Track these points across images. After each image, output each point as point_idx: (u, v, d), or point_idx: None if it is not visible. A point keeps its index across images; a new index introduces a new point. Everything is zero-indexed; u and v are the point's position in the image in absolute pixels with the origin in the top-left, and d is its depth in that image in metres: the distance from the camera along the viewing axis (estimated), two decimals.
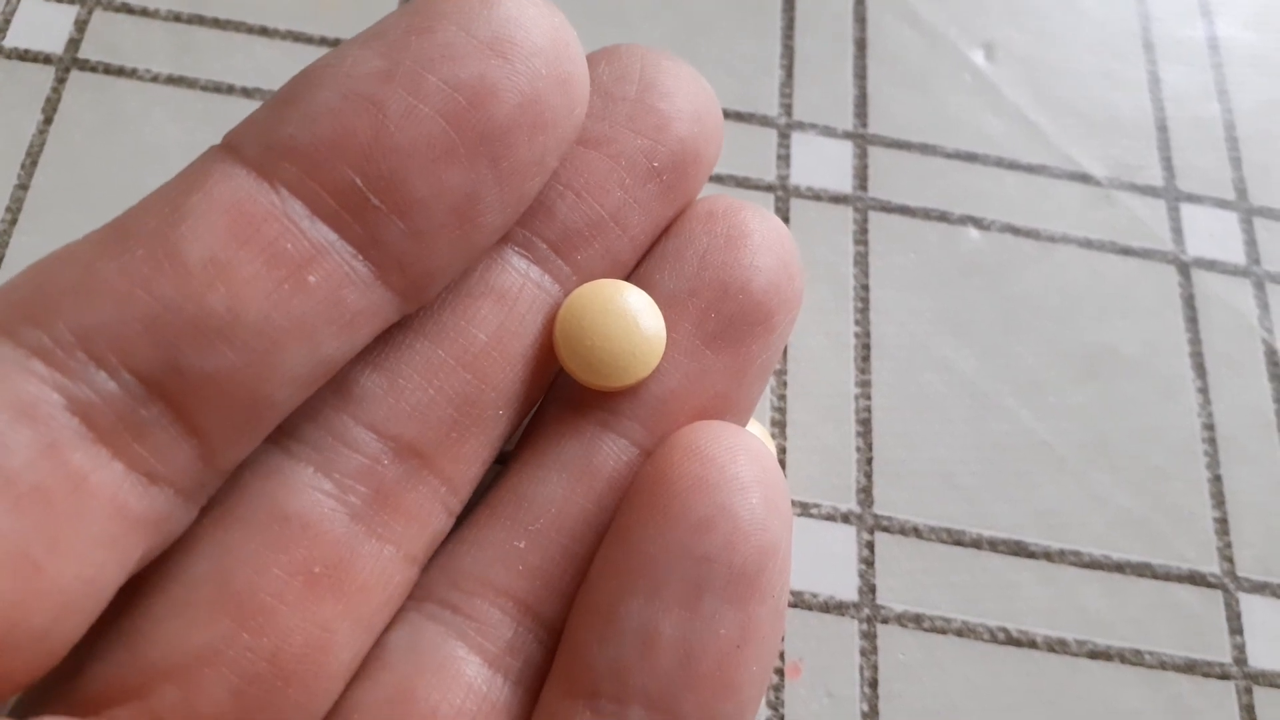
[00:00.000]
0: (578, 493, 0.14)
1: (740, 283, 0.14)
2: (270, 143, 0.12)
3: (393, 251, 0.12)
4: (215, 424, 0.11)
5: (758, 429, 0.19)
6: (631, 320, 0.14)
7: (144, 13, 0.23)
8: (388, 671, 0.13)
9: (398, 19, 0.12)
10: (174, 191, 0.12)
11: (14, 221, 0.20)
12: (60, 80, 0.22)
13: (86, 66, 0.22)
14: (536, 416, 0.15)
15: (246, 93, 0.22)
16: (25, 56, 0.22)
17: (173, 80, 0.22)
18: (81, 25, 0.22)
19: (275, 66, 0.22)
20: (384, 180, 0.12)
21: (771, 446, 0.19)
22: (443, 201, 0.12)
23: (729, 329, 0.14)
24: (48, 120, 0.21)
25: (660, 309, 0.14)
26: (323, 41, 0.23)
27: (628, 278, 0.15)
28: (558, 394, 0.15)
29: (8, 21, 0.22)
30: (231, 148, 0.12)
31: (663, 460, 0.13)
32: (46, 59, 0.22)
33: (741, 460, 0.13)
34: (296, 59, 0.22)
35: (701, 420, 0.14)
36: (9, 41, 0.22)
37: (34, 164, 0.21)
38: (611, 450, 0.14)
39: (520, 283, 0.14)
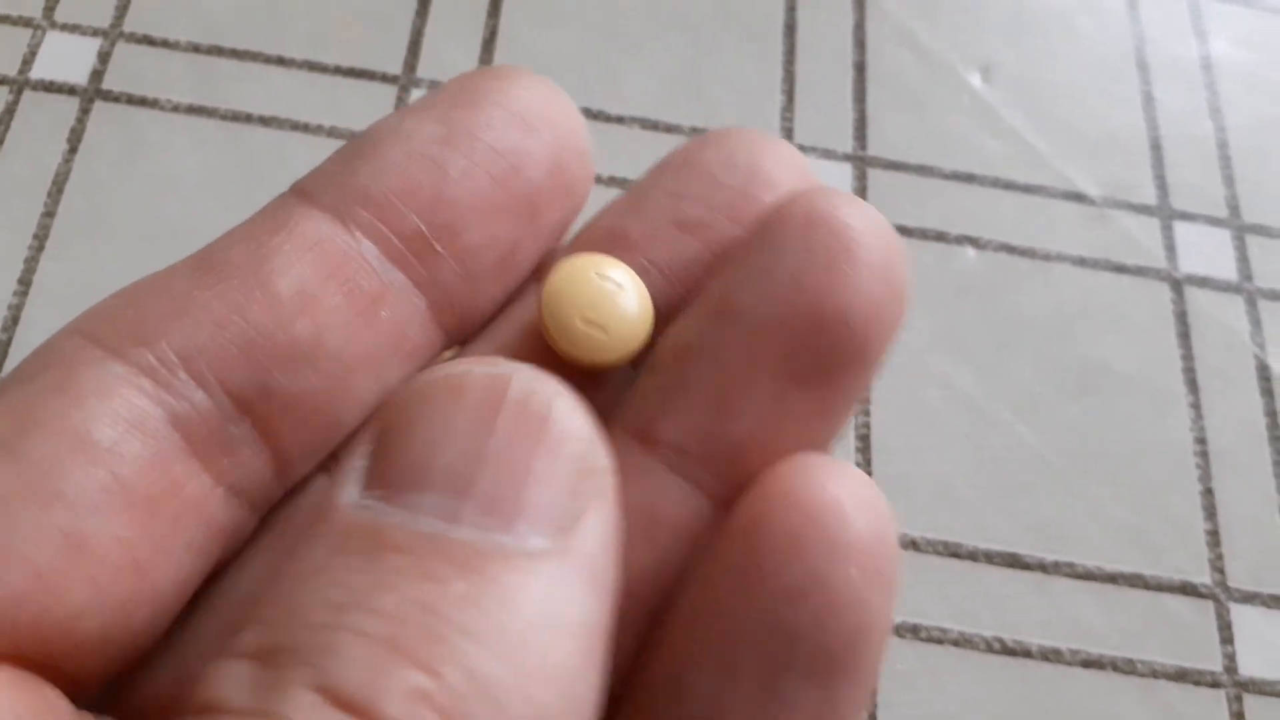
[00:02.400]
0: (640, 547, 0.12)
1: (839, 311, 0.12)
2: (345, 191, 0.13)
3: (448, 292, 0.13)
4: (294, 442, 0.12)
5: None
6: (614, 294, 0.13)
7: (165, 44, 0.23)
8: None
9: (445, 95, 0.14)
10: (257, 230, 0.13)
11: (41, 247, 0.21)
12: (84, 110, 0.23)
13: (110, 97, 0.23)
14: None
15: (264, 121, 0.23)
16: (51, 88, 0.23)
17: (193, 110, 0.23)
18: (104, 57, 0.23)
19: (291, 95, 0.23)
20: (444, 229, 0.13)
21: None
22: (492, 249, 0.13)
23: (820, 364, 0.12)
24: (73, 149, 0.22)
25: (741, 340, 0.12)
26: (336, 70, 0.23)
27: (700, 293, 0.13)
28: (618, 424, 0.13)
29: (33, 54, 0.23)
30: (305, 194, 0.13)
31: (754, 508, 0.12)
32: (71, 90, 0.23)
33: (847, 515, 0.11)
34: (311, 87, 0.23)
35: (798, 457, 0.12)
36: (35, 73, 0.23)
37: (60, 191, 0.22)
38: (678, 497, 0.13)
39: None
